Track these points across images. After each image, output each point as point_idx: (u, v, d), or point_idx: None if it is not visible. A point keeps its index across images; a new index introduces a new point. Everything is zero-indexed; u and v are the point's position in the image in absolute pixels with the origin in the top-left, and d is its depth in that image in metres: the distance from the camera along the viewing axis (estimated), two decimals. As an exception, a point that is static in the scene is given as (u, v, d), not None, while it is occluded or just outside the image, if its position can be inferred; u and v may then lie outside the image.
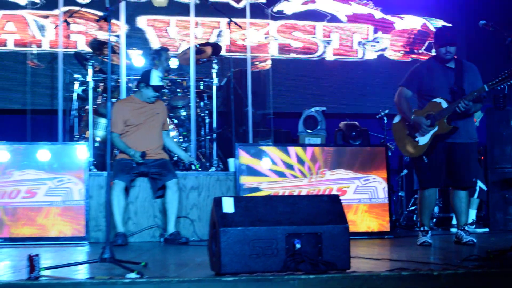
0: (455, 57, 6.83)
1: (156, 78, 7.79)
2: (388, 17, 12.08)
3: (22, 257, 5.66)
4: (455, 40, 6.76)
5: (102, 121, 8.95)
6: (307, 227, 4.73)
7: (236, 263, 4.60)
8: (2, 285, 4.35)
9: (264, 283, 4.50)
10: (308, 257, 4.66)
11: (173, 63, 9.34)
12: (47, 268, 4.74)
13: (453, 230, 8.29)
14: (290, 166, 7.93)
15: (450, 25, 11.81)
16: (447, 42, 6.71)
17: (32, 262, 4.53)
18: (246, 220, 4.68)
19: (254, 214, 4.75)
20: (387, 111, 9.69)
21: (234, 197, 4.89)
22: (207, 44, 9.68)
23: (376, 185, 8.01)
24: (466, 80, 6.67)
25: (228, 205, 4.72)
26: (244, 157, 7.89)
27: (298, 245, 4.66)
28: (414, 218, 9.30)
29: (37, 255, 4.56)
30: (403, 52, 12.16)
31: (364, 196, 7.95)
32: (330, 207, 4.93)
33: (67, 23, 10.00)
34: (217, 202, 4.76)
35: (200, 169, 8.21)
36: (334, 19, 11.94)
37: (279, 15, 11.67)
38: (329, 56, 11.92)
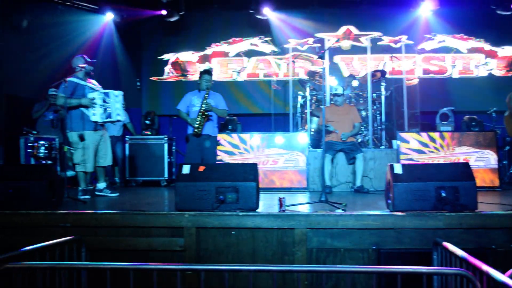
0: None
1: (333, 90, 7.83)
2: (494, 48, 11.18)
3: (271, 199, 5.79)
4: None
5: (315, 119, 8.94)
6: (449, 182, 4.52)
7: (403, 205, 4.49)
8: (265, 215, 4.46)
9: (422, 218, 4.36)
10: (450, 201, 4.45)
11: (354, 83, 9.17)
12: (288, 206, 4.80)
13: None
14: (431, 144, 7.59)
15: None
16: None
17: (281, 202, 4.61)
18: (409, 178, 4.55)
19: (414, 174, 4.60)
20: (494, 108, 9.07)
21: (401, 164, 4.72)
22: (377, 70, 9.41)
23: (489, 156, 7.45)
24: None
25: (398, 169, 4.59)
26: (402, 139, 7.64)
27: (443, 194, 4.46)
28: (515, 177, 8.60)
29: (283, 198, 4.63)
30: (504, 70, 11.22)
31: (481, 163, 7.42)
32: (464, 170, 4.68)
33: (293, 61, 10.11)
34: (391, 167, 4.65)
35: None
36: (458, 51, 11.24)
37: (422, 51, 11.17)
38: (455, 75, 11.24)
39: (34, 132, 8.18)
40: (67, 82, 6.27)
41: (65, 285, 3.71)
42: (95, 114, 6.28)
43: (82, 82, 6.43)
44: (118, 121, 6.75)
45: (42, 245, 3.77)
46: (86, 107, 6.29)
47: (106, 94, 6.33)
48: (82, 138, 6.27)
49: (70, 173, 7.35)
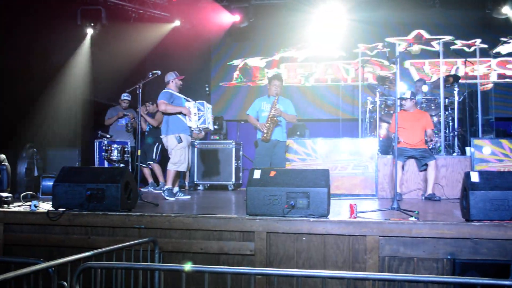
0: None
1: (404, 95, 7.65)
2: None
3: (340, 205, 5.75)
4: None
5: (384, 125, 8.81)
6: (530, 192, 4.32)
7: (480, 214, 4.35)
8: (336, 221, 4.43)
9: (500, 228, 4.22)
10: (531, 212, 4.27)
11: (424, 88, 8.96)
12: (359, 212, 4.74)
13: None
14: (506, 152, 7.32)
15: None
16: None
17: (352, 208, 4.56)
18: (487, 187, 4.39)
19: (492, 183, 4.44)
20: None
21: (478, 171, 4.56)
22: (450, 75, 9.16)
23: None
24: None
25: (475, 177, 4.45)
26: (475, 146, 7.41)
27: (523, 204, 4.28)
28: None
29: (355, 204, 4.59)
30: None
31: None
32: (545, 178, 4.46)
33: (362, 66, 10.00)
34: (467, 174, 4.51)
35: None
36: (537, 53, 10.78)
37: (497, 54, 10.75)
38: (534, 79, 10.79)
39: (108, 136, 8.50)
40: (166, 91, 7.03)
41: (138, 285, 3.83)
42: (191, 120, 6.90)
43: (177, 94, 7.07)
44: (209, 129, 7.29)
45: (120, 246, 3.91)
46: (184, 114, 6.91)
47: (201, 104, 6.98)
48: (179, 140, 6.84)
49: None
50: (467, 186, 4.42)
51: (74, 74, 9.64)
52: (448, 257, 4.26)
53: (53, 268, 3.19)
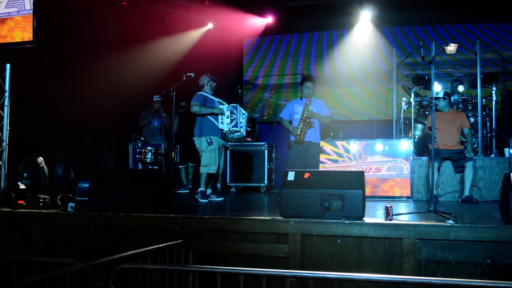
0: None
1: (438, 95, 7.52)
2: None
3: (374, 207, 5.67)
4: None
5: (419, 126, 8.66)
6: None
7: (520, 217, 4.21)
8: (372, 223, 4.36)
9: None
10: None
11: (460, 88, 8.75)
12: (394, 215, 4.66)
13: None
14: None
15: None
16: None
17: (388, 210, 4.49)
18: (528, 189, 4.26)
19: (532, 185, 4.30)
20: None
21: (519, 173, 4.44)
22: (487, 74, 8.93)
23: None
24: None
25: (514, 179, 4.33)
26: (515, 147, 7.26)
27: None
28: None
29: (391, 206, 4.51)
30: None
31: None
32: None
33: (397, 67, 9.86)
34: (507, 176, 4.42)
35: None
36: None
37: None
38: None
39: (142, 139, 8.59)
40: (200, 93, 7.10)
41: (173, 286, 3.84)
42: (223, 123, 6.95)
43: (211, 96, 7.13)
44: (240, 133, 7.21)
45: (154, 248, 3.93)
46: (217, 115, 6.97)
47: (235, 107, 7.02)
48: (210, 142, 6.89)
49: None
50: (508, 188, 4.30)
51: (109, 77, 9.78)
52: (488, 261, 4.15)
53: (89, 269, 3.23)
